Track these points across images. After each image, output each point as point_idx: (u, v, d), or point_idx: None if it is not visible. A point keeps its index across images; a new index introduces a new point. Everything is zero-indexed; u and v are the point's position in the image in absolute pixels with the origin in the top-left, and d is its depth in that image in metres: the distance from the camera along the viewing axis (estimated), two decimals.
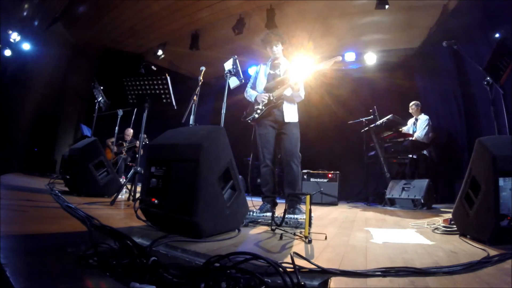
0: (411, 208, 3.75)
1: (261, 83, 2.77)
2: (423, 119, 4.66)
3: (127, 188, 3.21)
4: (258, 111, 2.67)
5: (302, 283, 0.87)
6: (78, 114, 7.19)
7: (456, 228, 1.91)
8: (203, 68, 3.04)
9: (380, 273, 1.01)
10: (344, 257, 1.25)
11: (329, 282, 0.94)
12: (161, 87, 2.91)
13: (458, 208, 1.83)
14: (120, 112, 5.03)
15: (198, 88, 2.94)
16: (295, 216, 2.11)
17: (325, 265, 1.06)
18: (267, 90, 2.71)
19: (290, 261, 1.02)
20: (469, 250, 1.44)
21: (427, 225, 2.25)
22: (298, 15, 5.51)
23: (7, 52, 5.92)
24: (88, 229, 1.41)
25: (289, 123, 2.63)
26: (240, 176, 2.08)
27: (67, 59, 6.91)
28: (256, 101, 2.72)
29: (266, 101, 2.65)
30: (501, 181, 1.45)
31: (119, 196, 2.86)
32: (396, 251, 1.39)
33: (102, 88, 4.60)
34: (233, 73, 2.86)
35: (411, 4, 4.91)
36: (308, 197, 1.63)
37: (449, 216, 2.09)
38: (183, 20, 6.04)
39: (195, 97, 2.88)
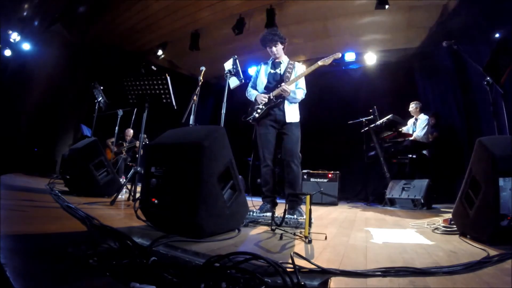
0: (411, 208, 3.75)
1: (262, 82, 2.77)
2: (423, 119, 4.66)
3: (127, 188, 3.21)
4: (259, 110, 2.67)
5: (302, 283, 0.87)
6: (78, 114, 7.19)
7: (456, 228, 1.91)
8: (203, 68, 3.04)
9: (380, 273, 1.01)
10: (344, 257, 1.25)
11: (329, 282, 0.94)
12: (161, 87, 2.90)
13: (458, 208, 1.83)
14: (120, 112, 5.03)
15: (198, 88, 2.94)
16: (295, 216, 2.12)
17: (325, 265, 1.06)
18: (267, 89, 2.71)
19: (290, 261, 1.03)
20: (469, 250, 1.44)
21: (427, 225, 2.25)
22: (298, 15, 5.51)
23: (7, 52, 5.92)
24: (88, 229, 1.41)
25: (290, 123, 2.63)
26: (240, 176, 2.08)
27: (67, 59, 6.91)
28: (256, 101, 2.72)
29: (266, 101, 2.65)
30: (501, 181, 1.45)
31: (119, 196, 2.86)
32: (396, 251, 1.40)
33: (102, 88, 4.60)
34: (233, 73, 2.86)
35: (411, 4, 4.91)
36: (308, 197, 1.63)
37: (449, 216, 2.09)
38: (183, 20, 6.04)
39: (195, 97, 2.88)
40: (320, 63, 2.63)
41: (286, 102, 2.65)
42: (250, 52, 5.80)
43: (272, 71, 2.78)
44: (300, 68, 2.72)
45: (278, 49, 2.71)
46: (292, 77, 2.64)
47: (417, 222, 2.40)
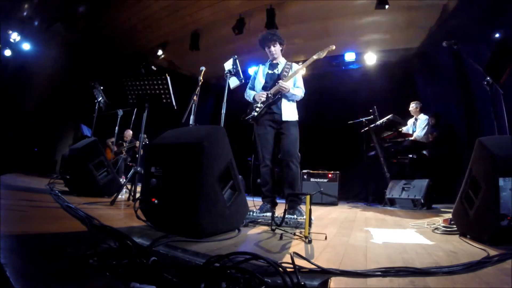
0: (411, 208, 3.75)
1: (260, 83, 2.78)
2: (423, 119, 4.66)
3: (127, 188, 3.21)
4: (257, 109, 2.68)
5: (302, 283, 0.87)
6: (78, 114, 7.19)
7: (456, 228, 1.91)
8: (203, 68, 3.04)
9: (380, 273, 1.01)
10: (344, 257, 1.25)
11: (329, 282, 0.94)
12: (161, 87, 2.91)
13: (458, 208, 1.83)
14: (120, 112, 5.04)
15: (198, 88, 2.94)
16: (295, 216, 2.12)
17: (325, 265, 1.06)
18: (265, 89, 2.72)
19: (290, 261, 1.02)
20: (469, 250, 1.44)
21: (427, 225, 2.25)
22: (298, 15, 5.51)
23: (7, 52, 5.92)
24: (88, 229, 1.40)
25: (287, 121, 2.63)
26: (240, 176, 2.08)
27: (67, 59, 6.91)
28: (255, 100, 2.72)
29: (264, 99, 2.65)
30: (501, 181, 1.45)
31: (119, 196, 2.86)
32: (396, 251, 1.39)
33: (102, 88, 4.61)
34: (233, 73, 2.87)
35: (411, 4, 4.91)
36: (308, 197, 1.63)
37: (449, 216, 2.09)
38: (183, 20, 6.04)
39: (195, 97, 2.88)
40: (315, 56, 2.65)
41: (284, 100, 2.65)
42: (250, 52, 5.80)
43: (270, 71, 2.79)
44: (298, 68, 2.73)
45: (276, 50, 2.72)
46: (290, 75, 2.65)
47: (417, 222, 2.40)
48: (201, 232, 1.45)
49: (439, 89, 5.66)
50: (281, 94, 2.63)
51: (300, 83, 2.72)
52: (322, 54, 2.64)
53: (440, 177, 4.91)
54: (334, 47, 2.65)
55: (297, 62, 2.85)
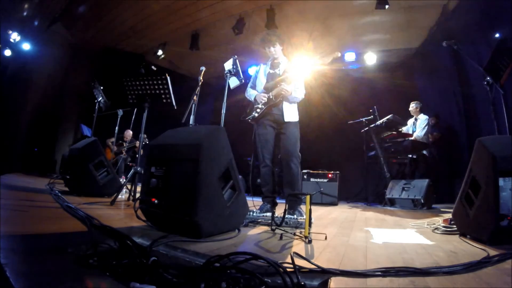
0: (411, 208, 3.75)
1: (261, 82, 2.78)
2: (423, 119, 4.66)
3: (127, 188, 3.21)
4: (258, 110, 2.67)
5: (302, 283, 0.87)
6: (78, 114, 7.19)
7: (456, 228, 1.91)
8: (203, 68, 3.04)
9: (380, 273, 1.01)
10: (344, 257, 1.25)
11: (329, 282, 0.94)
12: (161, 87, 2.91)
13: (458, 208, 1.83)
14: (120, 112, 5.04)
15: (198, 88, 2.93)
16: (295, 216, 2.12)
17: (325, 265, 1.06)
18: (266, 89, 2.71)
19: (290, 261, 1.03)
20: (469, 250, 1.44)
21: (427, 225, 2.25)
22: (298, 15, 5.52)
23: (7, 52, 5.92)
24: (88, 229, 1.41)
25: (289, 122, 2.63)
26: (240, 176, 2.08)
27: (67, 59, 6.91)
28: (256, 101, 2.72)
29: (265, 101, 2.65)
30: (501, 181, 1.45)
31: (119, 196, 2.86)
32: (396, 251, 1.39)
33: (102, 88, 4.61)
34: (233, 73, 2.86)
35: (411, 4, 4.91)
36: (308, 197, 1.63)
37: (449, 216, 2.09)
38: (183, 20, 6.04)
39: (195, 97, 2.88)
40: (319, 62, 2.64)
41: (285, 102, 2.65)
42: (250, 52, 5.80)
43: (271, 71, 2.79)
44: (299, 68, 2.72)
45: (276, 50, 2.72)
46: (291, 77, 2.65)
47: (417, 222, 2.40)
48: (201, 232, 1.45)
49: (439, 89, 5.66)
50: (282, 97, 2.63)
51: (301, 84, 2.72)
52: (327, 60, 2.64)
53: (440, 177, 4.92)
54: (339, 54, 2.65)
55: (298, 63, 2.85)
